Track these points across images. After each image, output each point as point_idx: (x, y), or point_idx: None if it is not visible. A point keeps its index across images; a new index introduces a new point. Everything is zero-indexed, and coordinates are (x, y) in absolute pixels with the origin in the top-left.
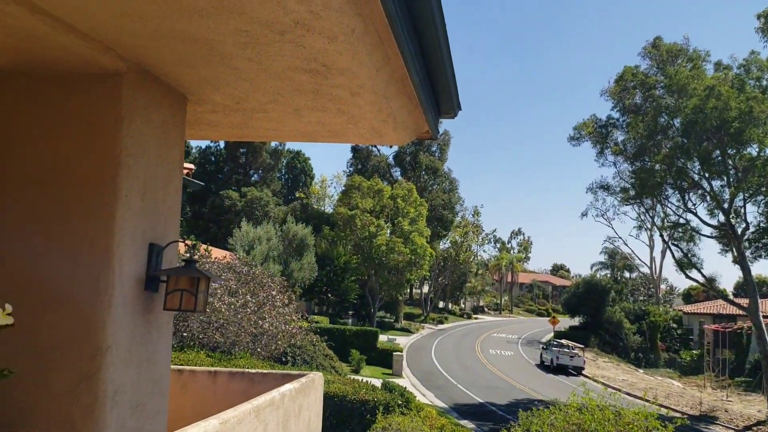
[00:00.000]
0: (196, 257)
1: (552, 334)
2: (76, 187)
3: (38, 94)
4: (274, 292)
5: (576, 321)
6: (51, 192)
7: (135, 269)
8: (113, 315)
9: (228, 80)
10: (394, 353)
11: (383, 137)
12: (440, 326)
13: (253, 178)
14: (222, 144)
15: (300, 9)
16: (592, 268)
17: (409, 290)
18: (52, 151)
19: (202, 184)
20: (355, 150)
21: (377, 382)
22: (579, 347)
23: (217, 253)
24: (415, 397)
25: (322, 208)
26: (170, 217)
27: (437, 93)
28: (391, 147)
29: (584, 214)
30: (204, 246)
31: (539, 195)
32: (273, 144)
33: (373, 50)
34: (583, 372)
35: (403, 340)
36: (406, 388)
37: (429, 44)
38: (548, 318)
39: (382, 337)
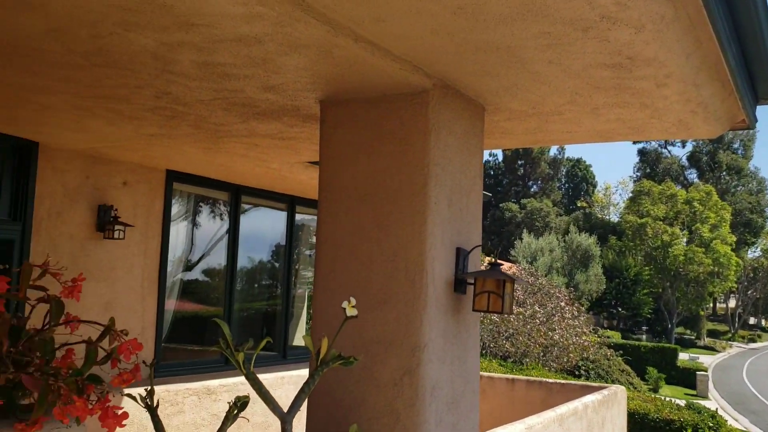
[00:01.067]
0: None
1: None
2: (392, 197)
3: (357, 117)
4: (562, 303)
5: None
6: (371, 203)
7: (445, 272)
8: (428, 314)
9: (526, 85)
10: (697, 373)
11: (691, 130)
12: (752, 345)
13: (532, 189)
14: (500, 157)
15: (606, 2)
16: None
17: (711, 305)
18: (370, 167)
19: (490, 195)
20: (642, 153)
21: (680, 403)
22: None
23: None
24: (726, 421)
25: (607, 217)
26: (473, 223)
27: (754, 76)
28: (683, 145)
29: None
30: (488, 257)
31: None
32: (552, 153)
33: (683, 36)
34: None
35: (707, 359)
36: (716, 410)
37: (746, 22)
38: None
39: (683, 355)
